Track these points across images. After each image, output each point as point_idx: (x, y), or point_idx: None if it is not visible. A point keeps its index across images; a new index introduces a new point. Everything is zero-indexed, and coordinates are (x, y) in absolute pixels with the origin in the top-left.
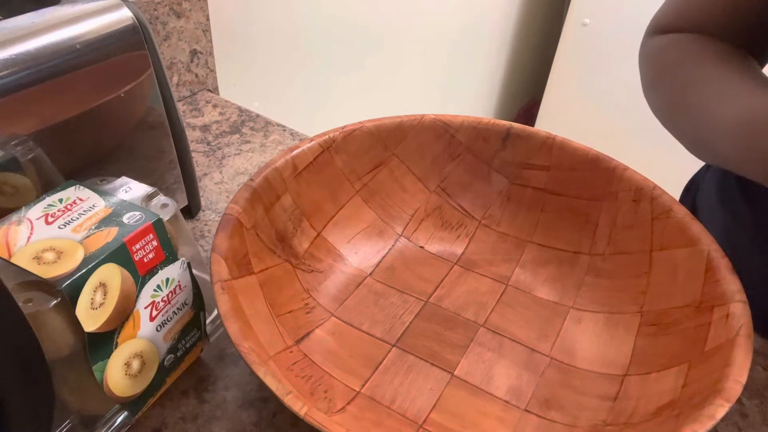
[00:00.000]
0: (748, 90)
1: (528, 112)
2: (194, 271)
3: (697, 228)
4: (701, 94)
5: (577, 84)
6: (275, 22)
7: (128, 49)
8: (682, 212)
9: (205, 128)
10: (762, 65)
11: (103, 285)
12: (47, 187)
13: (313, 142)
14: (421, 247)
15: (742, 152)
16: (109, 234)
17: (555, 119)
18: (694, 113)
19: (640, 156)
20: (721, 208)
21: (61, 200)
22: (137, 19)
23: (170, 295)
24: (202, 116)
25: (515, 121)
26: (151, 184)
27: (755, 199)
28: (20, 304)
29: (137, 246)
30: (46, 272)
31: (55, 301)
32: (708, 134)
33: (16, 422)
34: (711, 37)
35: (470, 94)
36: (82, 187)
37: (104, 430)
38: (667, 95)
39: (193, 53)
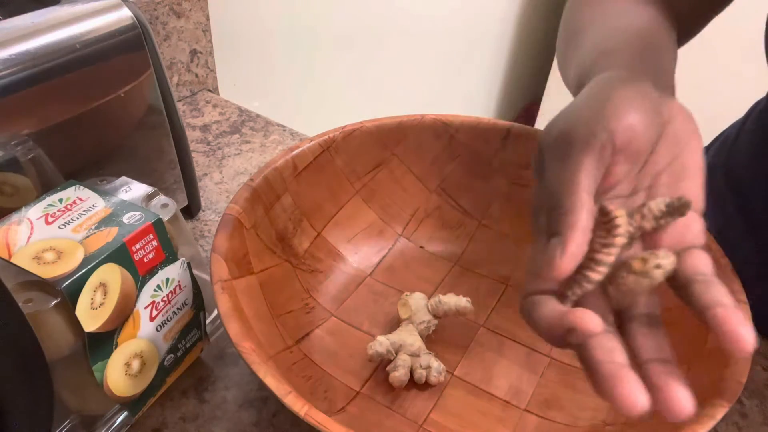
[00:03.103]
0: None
1: (528, 112)
2: (194, 271)
3: None
4: (577, 31)
5: None
6: (275, 22)
7: (128, 49)
8: None
9: (205, 128)
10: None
11: (103, 285)
12: (47, 187)
13: (313, 142)
14: (421, 247)
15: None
16: (109, 234)
17: None
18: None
19: None
20: (711, 208)
21: (61, 200)
22: (137, 19)
23: (170, 295)
24: (202, 116)
25: (515, 121)
26: (151, 184)
27: (745, 198)
28: (20, 304)
29: (137, 246)
30: (46, 272)
31: (55, 301)
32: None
33: (16, 422)
34: None
35: (470, 94)
36: (82, 187)
37: (104, 430)
38: (561, 35)
39: (193, 53)
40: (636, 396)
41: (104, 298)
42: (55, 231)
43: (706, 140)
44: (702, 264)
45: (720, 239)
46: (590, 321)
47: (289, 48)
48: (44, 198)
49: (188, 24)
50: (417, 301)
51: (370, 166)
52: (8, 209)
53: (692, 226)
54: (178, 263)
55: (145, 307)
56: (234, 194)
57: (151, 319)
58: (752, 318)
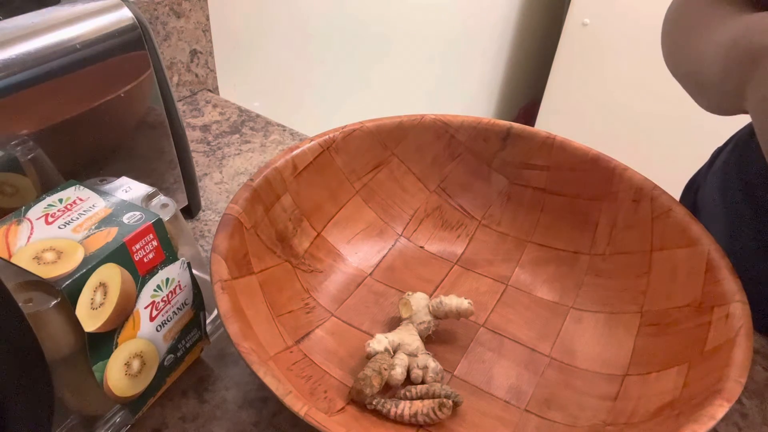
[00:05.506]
0: (739, 17)
1: (528, 112)
2: (194, 271)
3: (697, 228)
4: (696, 25)
5: (577, 84)
6: (275, 22)
7: (128, 49)
8: (682, 212)
9: (205, 128)
10: None
11: (103, 285)
12: (47, 187)
13: (313, 142)
14: (421, 247)
15: (726, 79)
16: (109, 234)
17: (555, 119)
18: (687, 44)
19: (640, 156)
20: (723, 207)
21: (61, 200)
22: (137, 19)
23: (170, 295)
24: (202, 116)
25: (515, 121)
26: (151, 184)
27: (757, 198)
28: (20, 304)
29: (137, 246)
30: (46, 272)
31: (55, 301)
32: (698, 65)
33: (16, 422)
34: None
35: (470, 94)
36: (82, 187)
37: (104, 430)
38: (670, 38)
39: (193, 53)
40: None
41: (104, 298)
42: (55, 231)
43: (718, 142)
44: None
45: (729, 239)
46: None
47: (289, 48)
48: (44, 198)
49: (188, 24)
50: (418, 301)
51: (370, 166)
52: (8, 209)
53: None
54: (178, 263)
55: (145, 307)
56: (234, 194)
57: (151, 319)
58: (753, 318)
